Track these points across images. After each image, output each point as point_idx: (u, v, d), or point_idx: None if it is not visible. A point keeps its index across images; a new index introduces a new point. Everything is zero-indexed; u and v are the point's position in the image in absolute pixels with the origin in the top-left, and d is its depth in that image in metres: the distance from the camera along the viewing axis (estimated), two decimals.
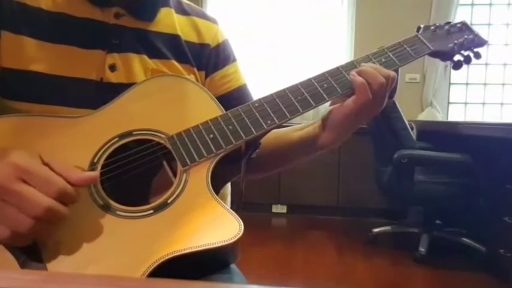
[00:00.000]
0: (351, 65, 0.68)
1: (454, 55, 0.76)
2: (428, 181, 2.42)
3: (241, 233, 0.53)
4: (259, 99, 0.66)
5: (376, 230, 2.77)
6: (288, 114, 0.64)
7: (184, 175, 0.60)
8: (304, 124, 0.74)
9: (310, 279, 2.20)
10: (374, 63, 0.69)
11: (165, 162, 0.64)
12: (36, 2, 0.65)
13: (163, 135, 0.62)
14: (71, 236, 0.54)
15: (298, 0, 3.79)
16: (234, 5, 3.86)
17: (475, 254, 2.38)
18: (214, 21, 0.82)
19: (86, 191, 0.57)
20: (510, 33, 3.64)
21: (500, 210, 2.10)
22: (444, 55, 0.76)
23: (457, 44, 0.75)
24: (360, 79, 0.66)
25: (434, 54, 0.75)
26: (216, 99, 0.67)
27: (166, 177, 0.63)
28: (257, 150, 0.77)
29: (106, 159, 0.60)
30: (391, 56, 0.70)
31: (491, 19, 3.65)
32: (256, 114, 0.64)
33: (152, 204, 0.57)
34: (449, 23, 0.78)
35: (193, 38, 0.77)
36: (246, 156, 0.67)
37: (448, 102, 3.78)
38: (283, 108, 0.64)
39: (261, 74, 3.70)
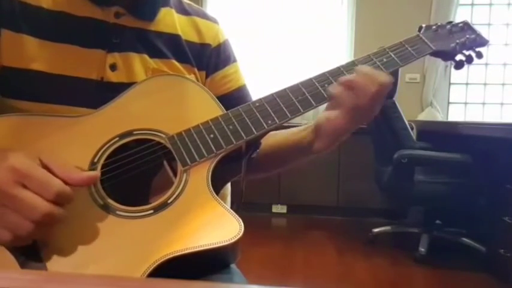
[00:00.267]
0: (351, 65, 0.68)
1: (455, 55, 0.76)
2: (428, 181, 2.42)
3: (241, 233, 0.53)
4: (260, 99, 0.65)
5: (376, 230, 2.77)
6: (288, 114, 0.64)
7: (185, 175, 0.60)
8: (301, 128, 0.73)
9: (310, 279, 2.20)
10: (375, 62, 0.69)
11: (165, 162, 0.64)
12: (37, 0, 0.65)
13: (163, 135, 0.62)
14: (71, 236, 0.54)
15: (298, 0, 3.79)
16: (234, 5, 3.86)
17: (475, 254, 2.38)
18: (215, 21, 0.82)
19: (86, 191, 0.57)
20: (510, 33, 3.64)
21: (500, 210, 2.09)
22: (446, 55, 0.76)
23: (459, 44, 0.75)
24: (343, 94, 0.62)
25: (436, 54, 0.74)
26: (216, 99, 0.67)
27: (167, 177, 0.62)
28: (257, 150, 0.77)
29: (106, 159, 0.59)
30: (392, 55, 0.70)
31: (491, 19, 3.65)
32: (257, 114, 0.64)
33: (152, 204, 0.57)
34: (451, 22, 0.77)
35: (193, 37, 0.76)
36: (247, 156, 0.67)
37: (448, 102, 3.78)
38: (283, 108, 0.64)
39: (261, 74, 3.70)
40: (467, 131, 2.32)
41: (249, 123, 0.63)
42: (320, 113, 0.67)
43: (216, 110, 0.65)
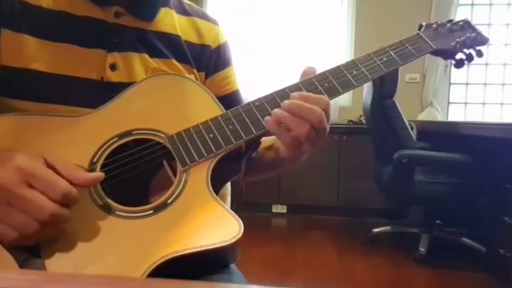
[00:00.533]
0: (351, 64, 0.68)
1: (456, 53, 0.76)
2: (428, 181, 2.42)
3: (241, 234, 0.53)
4: (260, 99, 0.65)
5: (376, 230, 2.77)
6: None
7: (184, 175, 0.59)
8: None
9: (310, 279, 2.20)
10: (375, 61, 0.68)
11: (165, 162, 0.64)
12: (37, 0, 0.65)
13: (163, 135, 0.62)
14: (70, 236, 0.53)
15: (298, 0, 3.79)
16: (234, 5, 3.86)
17: (475, 254, 2.38)
18: (215, 23, 0.81)
19: (86, 191, 0.57)
20: (510, 33, 3.64)
21: (500, 210, 2.09)
22: (446, 53, 0.76)
23: (459, 42, 0.74)
24: (276, 128, 0.60)
25: (436, 52, 0.74)
26: (216, 99, 0.67)
27: (166, 177, 0.62)
28: (257, 150, 0.77)
29: (106, 159, 0.59)
30: (392, 54, 0.70)
31: (491, 19, 3.66)
32: (257, 113, 0.63)
33: (152, 204, 0.57)
34: (451, 21, 0.77)
35: (193, 38, 0.76)
36: (246, 155, 0.67)
37: (448, 102, 3.78)
38: None
39: (261, 74, 3.70)
40: (467, 131, 2.32)
41: (249, 123, 0.63)
42: None
43: (215, 109, 0.65)
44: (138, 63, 0.69)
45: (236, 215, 0.55)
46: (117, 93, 0.65)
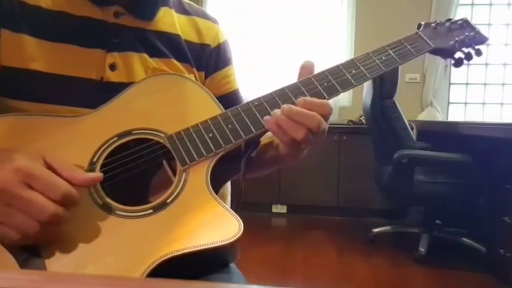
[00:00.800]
0: (351, 64, 0.68)
1: (455, 52, 0.76)
2: (428, 181, 2.42)
3: (240, 233, 0.53)
4: (259, 98, 0.65)
5: (376, 230, 2.77)
6: None
7: (184, 174, 0.59)
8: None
9: (310, 279, 2.20)
10: (374, 61, 0.68)
11: (164, 162, 0.64)
12: (36, 0, 0.65)
13: (162, 135, 0.62)
14: (70, 236, 0.54)
15: (298, 0, 3.79)
16: (234, 5, 3.86)
17: (475, 254, 2.38)
18: (215, 21, 0.81)
19: (86, 191, 0.57)
20: (510, 33, 3.64)
21: (500, 210, 2.09)
22: (445, 52, 0.76)
23: (458, 41, 0.74)
24: (275, 129, 0.61)
25: (435, 51, 0.74)
26: (215, 98, 0.67)
27: (166, 176, 0.62)
28: (257, 149, 0.77)
29: (105, 159, 0.59)
30: (391, 53, 0.70)
31: (491, 19, 3.66)
32: (256, 113, 0.63)
33: (152, 204, 0.57)
34: (450, 19, 0.77)
35: (193, 37, 0.76)
36: (246, 155, 0.67)
37: (448, 102, 3.78)
38: None
39: (261, 74, 3.70)
40: (467, 131, 2.32)
41: (248, 122, 0.63)
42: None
43: (215, 109, 0.65)
44: (138, 63, 0.69)
45: (236, 214, 0.55)
46: (116, 93, 0.65)
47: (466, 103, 3.77)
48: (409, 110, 3.26)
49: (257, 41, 3.79)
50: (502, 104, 3.71)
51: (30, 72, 0.63)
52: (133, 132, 0.62)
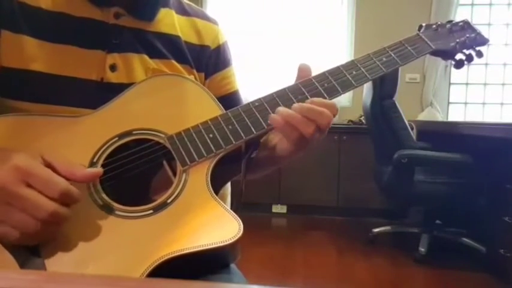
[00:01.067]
0: (351, 65, 0.68)
1: (455, 54, 0.76)
2: (428, 181, 2.42)
3: (240, 233, 0.53)
4: (259, 99, 0.65)
5: (376, 230, 2.77)
6: None
7: (184, 175, 0.59)
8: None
9: (310, 279, 2.20)
10: (374, 62, 0.69)
11: (165, 162, 0.64)
12: (36, 1, 0.65)
13: (163, 135, 0.62)
14: (70, 236, 0.54)
15: (298, 1, 3.79)
16: (234, 5, 3.86)
17: (475, 254, 2.38)
18: (214, 22, 0.81)
19: (86, 191, 0.57)
20: (510, 33, 3.64)
21: (500, 210, 2.09)
22: (446, 54, 0.76)
23: (459, 43, 0.74)
24: (283, 126, 0.61)
25: (436, 53, 0.74)
26: (215, 99, 0.67)
27: (166, 177, 0.62)
28: (257, 150, 0.77)
29: (106, 159, 0.59)
30: (392, 55, 0.70)
31: (491, 19, 3.66)
32: (256, 113, 0.63)
33: (152, 204, 0.57)
34: (451, 21, 0.77)
35: (193, 39, 0.76)
36: (246, 156, 0.67)
37: (448, 102, 3.78)
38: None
39: (261, 74, 3.70)
40: (467, 131, 2.32)
41: (249, 123, 0.63)
42: None
43: (215, 110, 0.65)
44: (138, 64, 0.69)
45: (236, 215, 0.55)
46: (117, 94, 0.65)
47: (466, 103, 3.77)
48: (409, 110, 3.26)
49: (257, 41, 3.79)
50: (502, 104, 3.71)
51: (30, 73, 0.63)
52: (134, 132, 0.62)
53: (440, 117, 3.62)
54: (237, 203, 0.68)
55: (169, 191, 0.58)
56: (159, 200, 0.57)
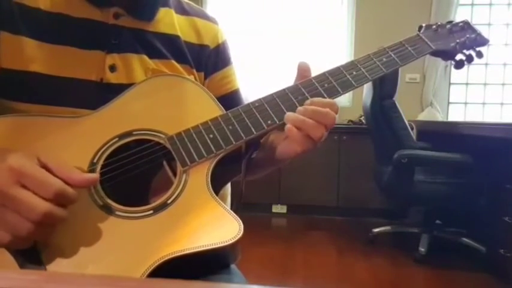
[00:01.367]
0: (351, 65, 0.68)
1: (456, 54, 0.76)
2: (428, 181, 2.42)
3: (240, 234, 0.53)
4: (260, 99, 0.65)
5: (376, 230, 2.77)
6: None
7: (184, 175, 0.59)
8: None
9: (310, 279, 2.20)
10: (375, 62, 0.69)
11: (165, 163, 0.64)
12: (35, 2, 0.65)
13: (163, 136, 0.62)
14: (70, 236, 0.54)
15: (298, 1, 3.79)
16: (234, 5, 3.86)
17: (475, 254, 2.38)
18: (214, 22, 0.81)
19: (86, 192, 0.57)
20: (510, 33, 3.64)
21: (500, 210, 2.09)
22: (446, 54, 0.76)
23: (459, 43, 0.75)
24: (294, 131, 0.62)
25: (436, 53, 0.74)
26: (215, 99, 0.67)
27: (166, 177, 0.62)
28: (257, 151, 0.77)
29: (106, 160, 0.59)
30: (392, 55, 0.70)
31: (491, 19, 3.66)
32: (257, 114, 0.63)
33: (152, 205, 0.57)
34: (451, 22, 0.77)
35: (192, 38, 0.76)
36: (246, 156, 0.67)
37: (448, 102, 3.78)
38: (283, 108, 0.64)
39: (261, 74, 3.70)
40: (467, 131, 2.32)
41: (249, 123, 0.63)
42: None
43: (215, 110, 0.65)
44: (138, 64, 0.69)
45: (236, 215, 0.55)
46: (116, 94, 0.64)
47: (466, 103, 3.77)
48: (409, 110, 3.26)
49: (257, 41, 3.79)
50: (502, 104, 3.71)
51: (29, 74, 0.63)
52: (134, 133, 0.62)
53: (440, 117, 3.62)
54: (237, 203, 0.68)
55: (170, 192, 0.58)
56: (159, 201, 0.57)
